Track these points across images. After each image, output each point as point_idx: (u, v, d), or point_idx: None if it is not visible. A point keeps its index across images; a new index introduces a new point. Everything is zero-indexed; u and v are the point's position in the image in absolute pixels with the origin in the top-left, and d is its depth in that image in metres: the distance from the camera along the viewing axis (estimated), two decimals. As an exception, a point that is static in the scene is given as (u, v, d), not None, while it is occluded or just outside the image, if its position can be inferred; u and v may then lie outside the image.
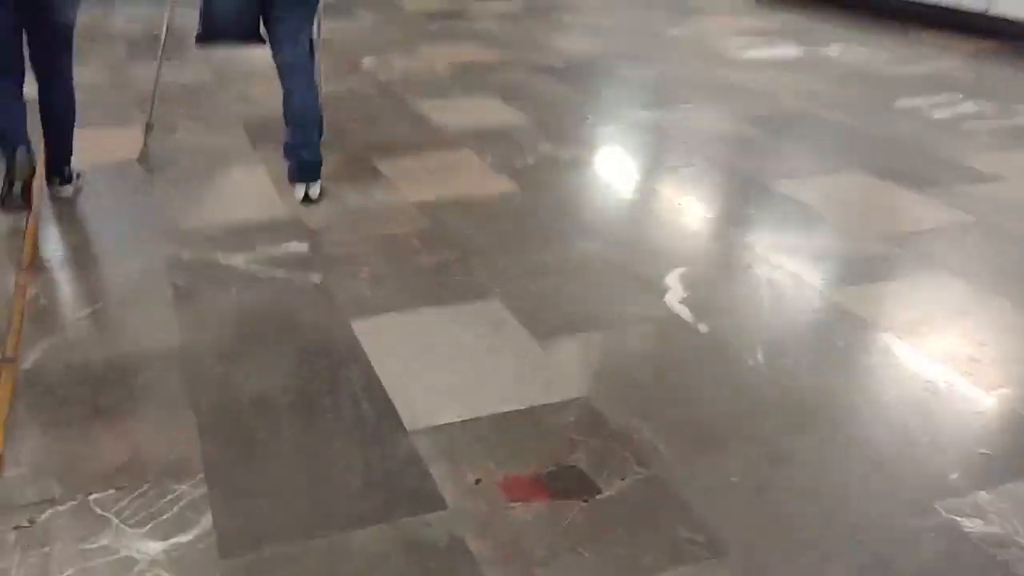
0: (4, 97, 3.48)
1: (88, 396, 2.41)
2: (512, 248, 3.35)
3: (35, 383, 2.46)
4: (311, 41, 3.80)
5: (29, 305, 2.87)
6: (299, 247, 3.33)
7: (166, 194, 3.84)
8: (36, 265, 3.16)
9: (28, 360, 2.57)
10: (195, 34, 3.68)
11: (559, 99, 5.33)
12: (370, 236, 3.43)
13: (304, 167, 3.72)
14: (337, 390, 2.44)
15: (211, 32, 3.64)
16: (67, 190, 3.78)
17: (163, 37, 4.11)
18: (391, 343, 2.67)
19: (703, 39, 6.94)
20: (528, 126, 4.78)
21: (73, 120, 3.77)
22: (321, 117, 3.86)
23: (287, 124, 3.73)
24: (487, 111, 5.07)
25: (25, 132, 3.51)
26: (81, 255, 3.27)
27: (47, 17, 3.47)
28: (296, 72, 3.67)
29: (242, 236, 3.40)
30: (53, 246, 3.35)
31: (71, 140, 3.79)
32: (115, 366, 2.54)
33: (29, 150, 3.52)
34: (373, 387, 2.45)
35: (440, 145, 4.49)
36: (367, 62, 6.12)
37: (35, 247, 3.31)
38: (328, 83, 5.63)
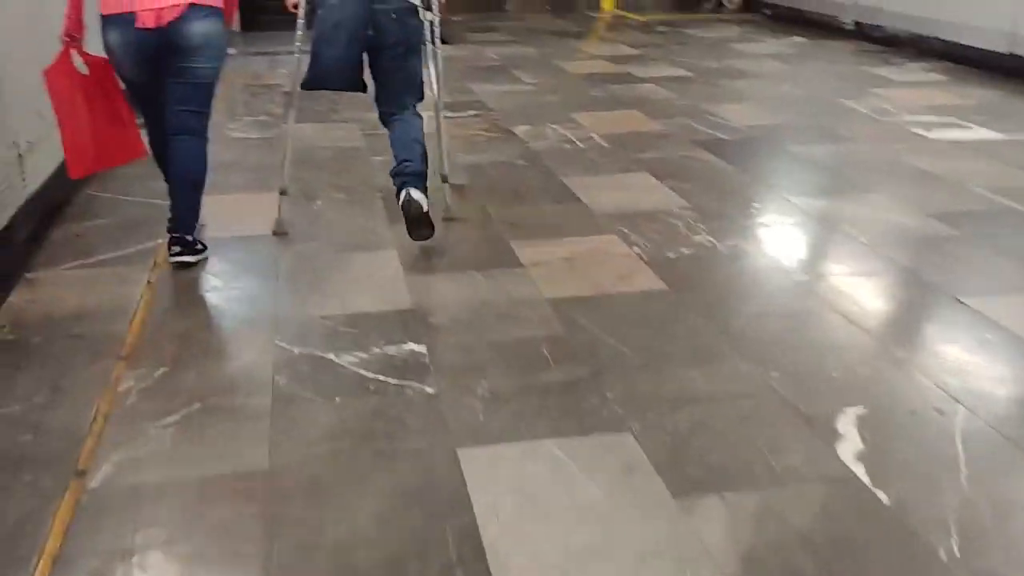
0: (158, 126, 3.54)
1: (153, 527, 2.12)
2: (654, 365, 2.91)
3: (99, 507, 2.20)
4: (422, 82, 3.84)
5: (117, 402, 2.65)
6: (417, 349, 3.00)
7: (292, 273, 3.61)
8: (136, 354, 2.95)
9: (98, 476, 2.32)
10: (302, 80, 3.74)
11: (722, 179, 4.87)
12: (496, 340, 3.07)
13: (406, 173, 3.65)
14: (430, 554, 2.06)
15: (317, 79, 3.67)
16: (187, 259, 3.58)
17: (294, 95, 4.03)
18: (502, 489, 2.28)
19: (887, 114, 6.32)
20: (685, 210, 4.34)
21: (202, 184, 3.62)
22: (424, 148, 3.78)
23: (393, 151, 3.75)
24: (641, 190, 4.67)
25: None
26: (188, 344, 3.05)
27: (187, 69, 3.40)
28: (400, 113, 3.77)
29: (360, 330, 3.11)
30: (159, 330, 3.14)
31: (198, 205, 3.63)
32: (189, 491, 2.26)
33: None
34: (474, 554, 2.05)
35: (585, 228, 4.11)
36: (521, 130, 5.83)
37: (141, 329, 3.11)
38: (479, 152, 5.42)
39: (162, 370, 2.86)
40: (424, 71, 3.89)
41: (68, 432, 2.50)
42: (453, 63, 8.22)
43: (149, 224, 4.03)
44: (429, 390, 2.74)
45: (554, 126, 5.91)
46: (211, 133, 3.64)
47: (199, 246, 3.63)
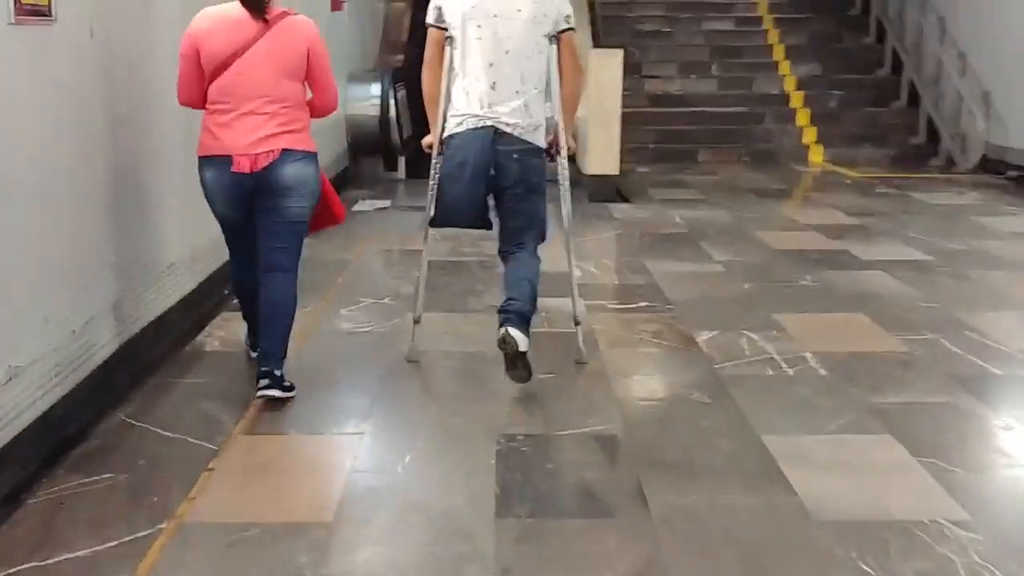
0: (246, 266, 3.63)
1: None
2: None
3: None
4: (544, 222, 3.84)
5: None
6: None
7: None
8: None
9: None
10: (429, 218, 3.87)
11: (1007, 453, 3.27)
12: None
13: (511, 311, 3.56)
14: None
15: (443, 216, 3.78)
16: (276, 393, 3.50)
17: (425, 224, 4.01)
18: None
19: None
20: (962, 528, 2.77)
21: (291, 319, 3.61)
22: (536, 285, 3.72)
23: (504, 289, 3.72)
24: (885, 472, 3.13)
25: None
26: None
27: (279, 209, 3.47)
28: (517, 252, 3.76)
29: None
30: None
31: (286, 340, 3.59)
32: None
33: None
34: None
35: (795, 551, 2.62)
36: (706, 339, 4.41)
37: None
38: (643, 371, 4.06)
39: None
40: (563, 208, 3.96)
41: None
42: (630, 227, 6.95)
43: (164, 486, 2.88)
44: None
45: (751, 334, 4.46)
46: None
47: (287, 383, 3.57)
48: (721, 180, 9.42)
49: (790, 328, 4.56)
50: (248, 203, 3.47)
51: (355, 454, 3.21)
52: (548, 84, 3.74)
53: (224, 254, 4.02)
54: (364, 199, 8.00)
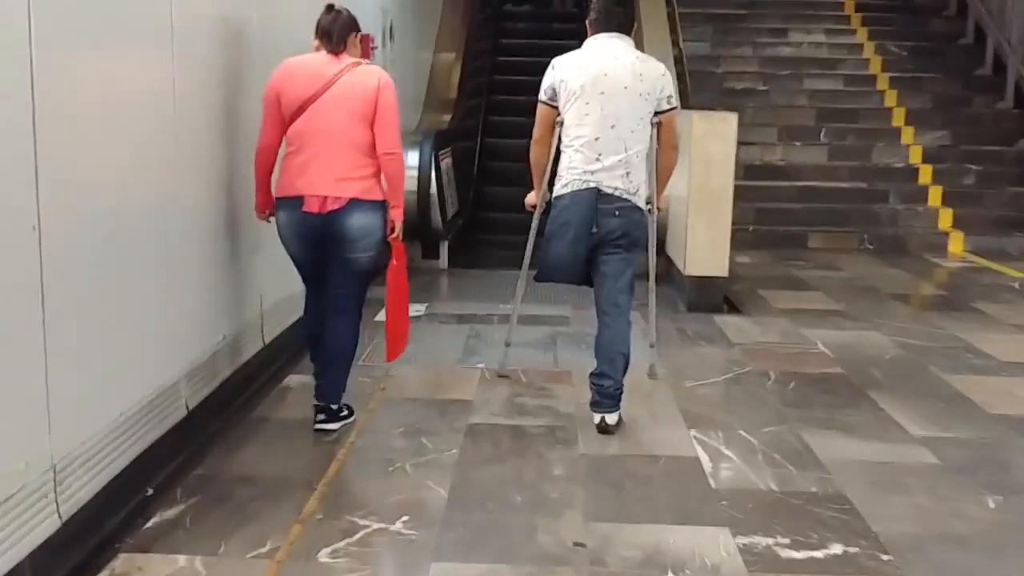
0: (316, 303, 3.78)
1: None
2: None
3: None
4: (633, 283, 3.92)
5: None
6: None
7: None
8: None
9: None
10: (535, 274, 4.08)
11: None
12: None
13: (604, 395, 3.81)
14: None
15: (546, 274, 4.00)
16: (330, 427, 3.74)
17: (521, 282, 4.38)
18: None
19: None
20: None
21: (351, 359, 3.80)
22: (629, 354, 3.86)
23: (596, 355, 3.88)
24: None
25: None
26: None
27: (345, 258, 3.60)
28: (612, 312, 3.86)
29: None
30: None
31: (345, 379, 3.79)
32: None
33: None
34: None
35: None
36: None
37: None
38: None
39: None
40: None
41: None
42: (756, 360, 4.94)
43: None
44: None
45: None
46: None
47: (344, 412, 3.81)
48: (850, 278, 7.37)
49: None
50: (317, 245, 3.62)
51: None
52: (648, 155, 3.91)
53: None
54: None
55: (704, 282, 6.06)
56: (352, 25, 3.64)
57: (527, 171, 4.17)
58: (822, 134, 9.94)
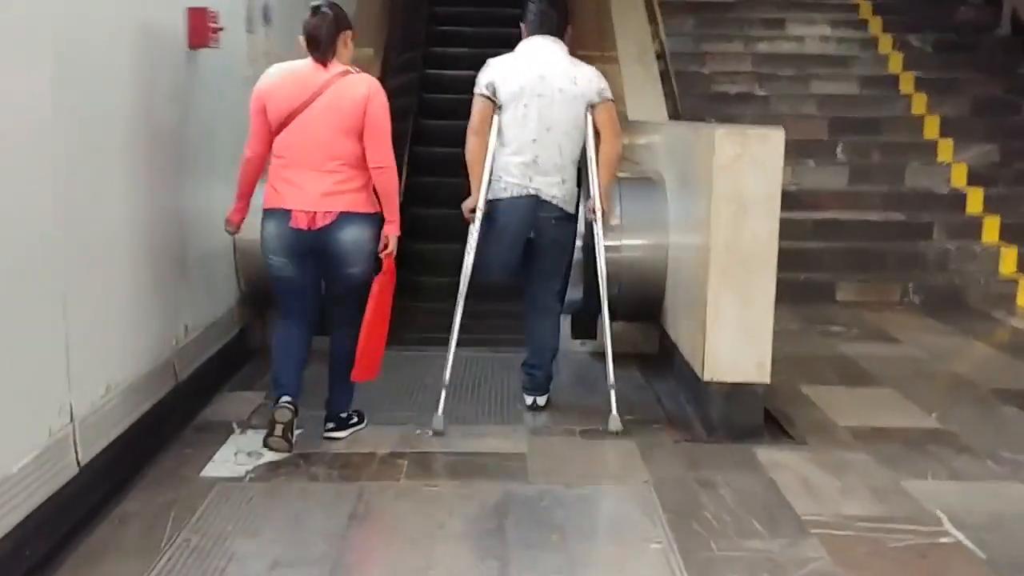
0: (286, 343, 3.66)
1: None
2: None
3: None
4: (567, 280, 4.24)
5: None
6: None
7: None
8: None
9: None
10: (469, 273, 4.05)
11: None
12: None
13: (536, 383, 4.15)
14: None
15: (486, 273, 4.06)
16: (338, 435, 3.75)
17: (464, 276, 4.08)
18: None
19: None
20: None
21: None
22: (557, 349, 4.22)
23: (527, 344, 4.18)
24: None
25: (296, 384, 3.62)
26: None
27: (338, 273, 3.59)
28: (540, 309, 4.15)
29: None
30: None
31: (352, 389, 3.79)
32: None
33: (293, 404, 3.55)
34: None
35: None
36: None
37: None
38: None
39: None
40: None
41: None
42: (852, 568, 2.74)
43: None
44: None
45: None
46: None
47: (353, 419, 3.83)
48: (918, 358, 5.24)
49: None
50: (303, 261, 3.54)
51: None
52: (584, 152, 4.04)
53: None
54: (251, 422, 3.91)
55: (735, 392, 3.88)
56: (341, 25, 3.52)
57: (463, 172, 4.06)
58: (839, 150, 7.85)
